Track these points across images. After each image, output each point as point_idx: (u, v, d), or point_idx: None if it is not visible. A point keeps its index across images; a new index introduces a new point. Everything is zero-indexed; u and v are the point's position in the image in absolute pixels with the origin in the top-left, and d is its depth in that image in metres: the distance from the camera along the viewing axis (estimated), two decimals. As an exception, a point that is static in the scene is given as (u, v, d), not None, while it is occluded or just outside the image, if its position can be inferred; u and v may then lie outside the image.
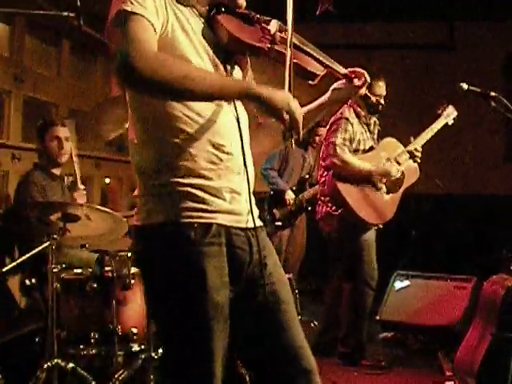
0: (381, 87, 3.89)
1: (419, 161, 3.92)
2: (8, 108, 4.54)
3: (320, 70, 1.75)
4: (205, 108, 1.64)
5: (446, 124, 3.99)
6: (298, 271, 5.19)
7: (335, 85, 1.91)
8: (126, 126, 2.99)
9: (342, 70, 1.84)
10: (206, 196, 1.64)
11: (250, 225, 1.71)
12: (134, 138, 1.76)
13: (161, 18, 1.59)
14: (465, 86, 3.28)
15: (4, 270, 3.08)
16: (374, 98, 3.80)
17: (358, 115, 3.91)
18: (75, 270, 3.08)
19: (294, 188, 5.00)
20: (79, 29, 2.54)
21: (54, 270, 2.82)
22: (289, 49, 1.64)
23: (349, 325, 3.92)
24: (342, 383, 3.62)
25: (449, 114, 3.99)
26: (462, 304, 4.25)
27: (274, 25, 1.70)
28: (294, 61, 1.67)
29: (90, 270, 3.05)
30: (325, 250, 4.14)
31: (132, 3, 1.56)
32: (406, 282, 4.65)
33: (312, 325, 3.94)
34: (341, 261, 4.05)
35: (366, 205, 3.80)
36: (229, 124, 1.69)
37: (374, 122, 4.03)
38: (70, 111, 5.32)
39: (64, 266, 2.97)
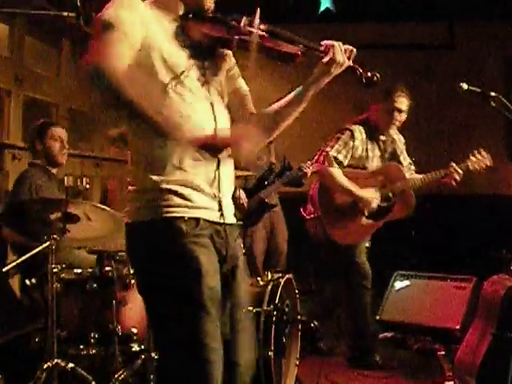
0: (401, 103, 3.74)
1: (454, 183, 3.76)
2: (8, 108, 4.54)
3: (295, 50, 1.85)
4: (185, 108, 1.78)
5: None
6: (299, 271, 5.14)
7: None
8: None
9: (319, 47, 1.90)
10: (191, 192, 1.79)
11: (225, 220, 1.87)
12: (131, 128, 1.88)
13: (139, 32, 1.74)
14: (465, 85, 3.27)
15: (4, 269, 3.08)
16: (395, 115, 3.71)
17: (370, 130, 3.77)
18: (75, 270, 3.08)
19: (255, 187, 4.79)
20: (79, 29, 2.54)
21: (54, 270, 2.82)
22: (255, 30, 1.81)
23: (353, 327, 3.88)
24: (342, 383, 3.62)
25: (479, 162, 3.85)
26: (462, 304, 4.25)
27: (242, 21, 1.85)
28: (268, 44, 1.82)
29: (90, 270, 3.05)
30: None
31: (111, 15, 1.70)
32: (406, 282, 4.64)
33: (312, 325, 3.93)
34: (329, 263, 4.01)
35: (336, 222, 3.74)
36: (206, 122, 1.83)
37: (392, 139, 3.90)
38: (70, 111, 5.31)
39: (64, 266, 2.97)
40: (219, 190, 1.86)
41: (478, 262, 4.33)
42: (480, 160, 3.78)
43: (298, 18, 6.14)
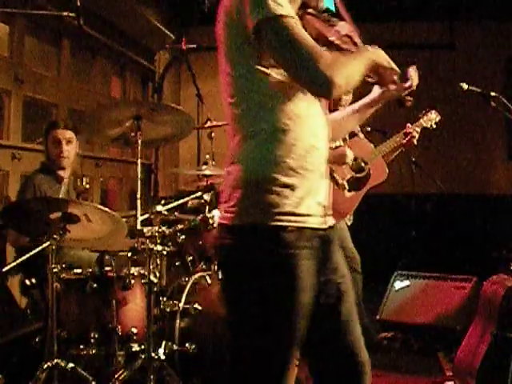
0: None
1: (415, 142, 3.85)
2: (8, 108, 4.54)
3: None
4: (306, 109, 1.70)
5: (425, 128, 3.95)
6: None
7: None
8: (127, 124, 3.02)
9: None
10: (301, 198, 1.65)
11: (329, 224, 1.76)
12: (240, 129, 1.71)
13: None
14: (465, 85, 3.28)
15: (4, 269, 3.08)
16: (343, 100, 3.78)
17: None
18: (75, 270, 3.08)
19: None
20: (79, 29, 2.54)
21: (54, 270, 2.82)
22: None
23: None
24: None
25: (430, 119, 3.96)
26: (462, 304, 4.25)
27: (343, 26, 1.86)
28: None
29: (90, 270, 3.06)
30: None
31: (279, 4, 1.60)
32: (406, 282, 4.64)
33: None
34: None
35: None
36: (322, 126, 1.75)
37: None
38: (70, 111, 5.31)
39: (64, 266, 2.97)
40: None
41: (478, 262, 4.33)
42: (430, 118, 3.89)
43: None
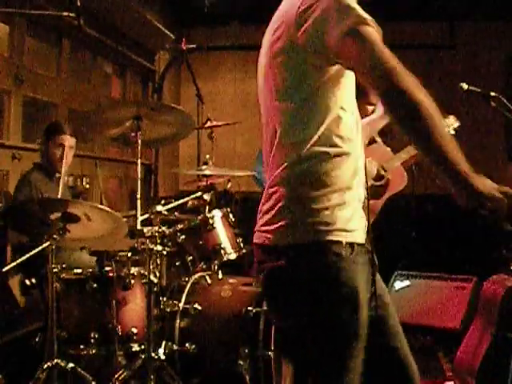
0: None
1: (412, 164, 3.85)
2: (8, 108, 4.54)
3: None
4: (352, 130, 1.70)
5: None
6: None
7: None
8: (127, 124, 3.02)
9: None
10: (350, 213, 1.65)
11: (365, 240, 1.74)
12: (295, 145, 1.66)
13: None
14: (465, 85, 3.28)
15: (4, 269, 3.08)
16: (370, 108, 3.76)
17: None
18: (75, 270, 3.08)
19: None
20: (79, 29, 2.54)
21: (54, 270, 2.82)
22: None
23: None
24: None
25: (448, 125, 3.93)
26: (462, 304, 4.25)
27: None
28: None
29: (90, 270, 3.05)
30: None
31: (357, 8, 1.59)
32: (406, 282, 4.64)
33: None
34: None
35: None
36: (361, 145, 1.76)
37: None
38: (70, 111, 5.31)
39: (64, 265, 2.97)
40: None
41: (478, 262, 4.32)
42: (448, 123, 3.88)
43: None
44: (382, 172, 3.85)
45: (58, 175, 3.71)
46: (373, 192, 3.81)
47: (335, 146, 1.64)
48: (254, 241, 1.75)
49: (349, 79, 1.68)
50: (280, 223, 1.64)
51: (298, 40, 1.60)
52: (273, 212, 1.67)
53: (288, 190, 1.65)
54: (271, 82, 1.70)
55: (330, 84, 1.63)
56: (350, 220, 1.65)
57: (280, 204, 1.65)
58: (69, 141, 3.71)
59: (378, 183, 3.83)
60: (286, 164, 1.66)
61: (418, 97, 1.54)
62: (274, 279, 1.69)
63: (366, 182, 1.80)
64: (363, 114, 2.08)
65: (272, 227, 1.66)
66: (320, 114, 1.64)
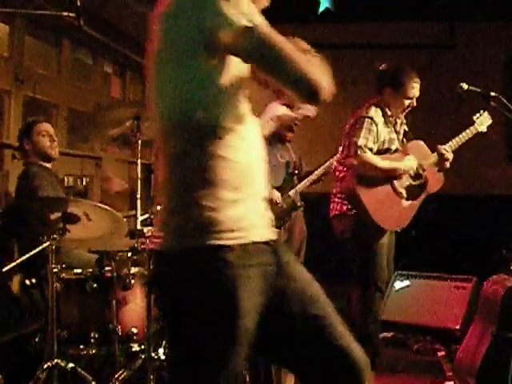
0: (415, 88, 3.70)
1: (448, 166, 3.78)
2: (8, 108, 4.54)
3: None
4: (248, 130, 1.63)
5: (479, 132, 3.84)
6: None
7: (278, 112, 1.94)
8: (127, 124, 3.02)
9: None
10: (243, 211, 1.56)
11: (273, 236, 1.66)
12: (173, 147, 1.61)
13: None
14: (465, 85, 3.28)
15: (4, 270, 3.08)
16: (407, 102, 3.73)
17: (384, 115, 3.73)
18: (75, 270, 3.07)
19: (283, 186, 4.95)
20: (79, 29, 2.54)
21: (54, 270, 2.82)
22: None
23: (361, 330, 3.84)
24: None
25: (482, 122, 3.88)
26: (462, 304, 4.26)
27: None
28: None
29: (90, 270, 3.05)
30: (327, 248, 4.09)
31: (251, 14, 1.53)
32: (406, 282, 4.64)
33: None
34: (355, 263, 3.94)
35: (382, 208, 3.64)
36: (256, 134, 1.68)
37: (401, 121, 3.84)
38: (70, 111, 5.31)
39: (64, 266, 2.97)
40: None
41: (478, 262, 4.32)
42: (482, 121, 3.82)
43: (298, 18, 6.15)
44: (421, 171, 3.80)
45: (50, 166, 3.73)
46: (411, 192, 3.77)
47: (221, 138, 1.56)
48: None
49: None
50: (167, 227, 1.59)
51: None
52: (161, 213, 1.61)
53: (172, 190, 1.58)
54: None
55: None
56: (242, 218, 1.55)
57: (165, 205, 1.59)
58: (48, 127, 3.75)
59: (416, 182, 3.78)
60: (170, 159, 1.60)
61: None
62: (156, 286, 1.66)
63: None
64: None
65: (161, 231, 1.60)
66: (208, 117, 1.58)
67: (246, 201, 1.57)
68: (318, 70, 1.57)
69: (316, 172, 4.75)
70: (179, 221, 1.55)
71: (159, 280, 1.66)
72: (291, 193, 4.78)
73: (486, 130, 3.87)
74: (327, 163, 4.68)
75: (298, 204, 4.80)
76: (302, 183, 4.78)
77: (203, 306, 1.53)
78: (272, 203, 4.74)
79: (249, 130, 1.63)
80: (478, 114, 3.84)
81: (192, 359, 1.57)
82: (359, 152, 3.57)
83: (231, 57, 1.56)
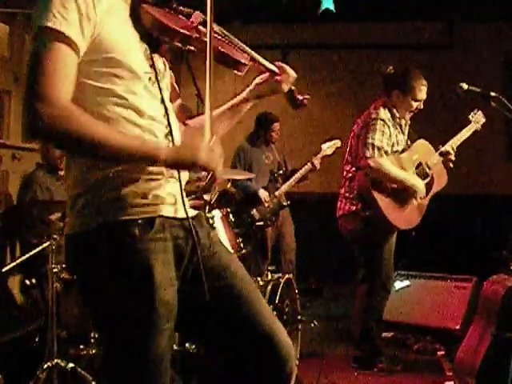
0: (422, 91, 3.71)
1: (452, 165, 3.81)
2: (8, 108, 4.54)
3: (246, 60, 1.74)
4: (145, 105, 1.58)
5: (475, 131, 3.86)
6: (299, 270, 5.19)
7: (258, 79, 1.91)
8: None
9: (268, 65, 1.84)
10: (148, 186, 1.56)
11: (184, 214, 1.64)
12: None
13: (89, 26, 1.48)
14: (465, 85, 3.28)
15: (4, 270, 3.09)
16: (415, 104, 3.73)
17: (393, 116, 3.76)
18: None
19: (268, 186, 5.01)
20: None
21: (54, 270, 2.82)
22: (208, 39, 1.60)
23: (363, 328, 3.84)
24: (341, 383, 3.62)
25: (478, 121, 3.89)
26: (462, 304, 4.26)
27: (196, 16, 1.66)
28: (220, 50, 1.68)
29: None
30: (327, 249, 4.11)
31: (55, 17, 1.43)
32: (406, 282, 4.65)
33: (312, 325, 3.93)
34: (360, 262, 3.94)
35: (395, 208, 3.67)
36: (158, 110, 1.62)
37: (406, 122, 3.86)
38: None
39: (64, 265, 2.98)
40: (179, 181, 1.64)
41: (478, 262, 4.32)
42: (477, 120, 3.86)
43: (298, 18, 6.14)
44: (427, 170, 3.81)
45: (61, 173, 3.73)
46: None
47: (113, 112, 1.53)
48: None
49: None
50: (72, 209, 1.57)
51: None
52: (68, 199, 1.60)
53: (74, 170, 1.58)
54: None
55: None
56: (148, 193, 1.55)
57: (73, 187, 1.58)
58: None
59: (424, 181, 3.79)
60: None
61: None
62: (70, 271, 1.69)
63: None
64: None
65: (67, 216, 1.60)
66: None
67: (151, 177, 1.56)
68: (71, 122, 1.43)
69: (300, 171, 4.83)
70: (83, 201, 1.55)
71: (71, 264, 1.68)
72: (277, 193, 4.86)
73: (480, 128, 3.90)
74: (309, 163, 4.78)
75: (284, 203, 4.89)
76: (288, 183, 4.87)
77: (115, 282, 1.53)
78: (261, 203, 4.82)
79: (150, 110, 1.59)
80: (472, 113, 3.87)
81: (114, 342, 1.57)
82: (376, 153, 3.58)
83: None
